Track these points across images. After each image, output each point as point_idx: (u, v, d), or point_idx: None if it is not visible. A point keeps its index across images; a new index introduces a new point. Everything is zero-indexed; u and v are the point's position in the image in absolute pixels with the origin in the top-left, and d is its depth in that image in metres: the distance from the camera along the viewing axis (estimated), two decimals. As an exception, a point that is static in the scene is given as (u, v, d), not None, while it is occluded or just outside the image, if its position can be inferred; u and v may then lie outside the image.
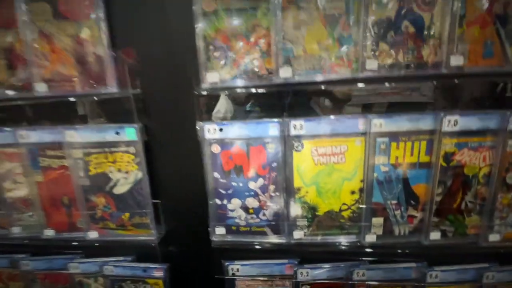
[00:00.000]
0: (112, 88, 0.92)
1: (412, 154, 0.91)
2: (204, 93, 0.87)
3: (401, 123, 0.88)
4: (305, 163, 0.95)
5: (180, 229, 1.11)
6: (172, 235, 1.11)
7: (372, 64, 0.80)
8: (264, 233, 1.03)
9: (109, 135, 0.96)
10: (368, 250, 0.99)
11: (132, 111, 0.92)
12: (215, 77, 0.86)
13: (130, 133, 0.94)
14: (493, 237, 0.93)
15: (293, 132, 0.92)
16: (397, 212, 0.96)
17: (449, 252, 0.97)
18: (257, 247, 1.02)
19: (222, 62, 0.86)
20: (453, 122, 0.86)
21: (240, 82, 0.86)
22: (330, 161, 0.95)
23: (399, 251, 0.97)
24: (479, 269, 1.00)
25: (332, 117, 0.90)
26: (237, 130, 0.93)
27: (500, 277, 0.99)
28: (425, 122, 0.88)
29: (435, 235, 0.95)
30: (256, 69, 0.84)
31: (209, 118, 0.95)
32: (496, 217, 0.93)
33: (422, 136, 0.89)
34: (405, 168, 0.92)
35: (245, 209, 1.01)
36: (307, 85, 0.84)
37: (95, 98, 0.92)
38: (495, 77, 0.79)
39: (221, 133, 0.93)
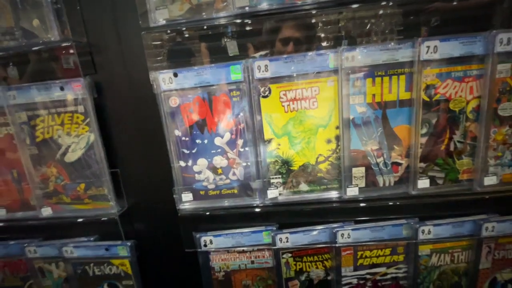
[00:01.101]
0: (54, 38, 0.81)
1: (390, 91, 0.80)
2: (150, 36, 0.76)
3: (376, 55, 0.77)
4: (274, 111, 0.83)
5: (144, 201, 0.98)
6: (136, 208, 0.98)
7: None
8: (235, 196, 0.90)
9: (54, 93, 0.85)
10: (350, 206, 0.88)
11: (77, 63, 0.81)
12: (164, 14, 0.76)
13: (76, 88, 0.83)
14: (489, 180, 0.82)
15: (258, 74, 0.81)
16: (380, 160, 0.84)
17: (441, 202, 0.85)
18: (229, 211, 0.91)
19: (171, -4, 0.75)
20: (432, 48, 0.75)
21: (192, 18, 0.75)
22: (301, 107, 0.83)
23: (385, 204, 0.85)
24: (477, 221, 0.88)
25: (299, 54, 0.80)
26: (195, 77, 0.81)
27: (501, 228, 0.87)
28: (402, 52, 0.77)
29: (423, 183, 0.83)
30: (208, 1, 0.74)
31: (166, 66, 0.84)
32: (490, 157, 0.81)
33: (400, 70, 0.78)
34: (384, 108, 0.81)
35: (213, 169, 0.89)
36: (271, 15, 0.74)
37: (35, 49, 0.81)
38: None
39: (178, 82, 0.82)
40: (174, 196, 0.89)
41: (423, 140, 0.81)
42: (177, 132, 0.86)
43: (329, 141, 0.85)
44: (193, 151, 0.87)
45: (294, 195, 0.89)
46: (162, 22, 0.74)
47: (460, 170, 0.83)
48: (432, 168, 0.83)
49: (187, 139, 0.87)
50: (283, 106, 0.83)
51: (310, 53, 0.79)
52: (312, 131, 0.85)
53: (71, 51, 0.79)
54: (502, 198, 0.84)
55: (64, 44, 0.79)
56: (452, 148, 0.82)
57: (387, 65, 0.77)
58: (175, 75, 0.79)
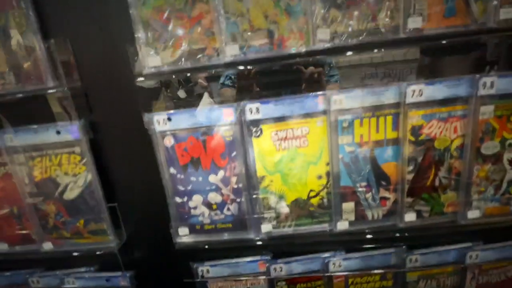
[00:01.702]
0: (48, 83, 0.82)
1: (377, 131, 0.82)
2: (143, 82, 0.77)
3: (363, 98, 0.79)
4: (266, 150, 0.85)
5: (142, 232, 1.00)
6: (134, 240, 1.00)
7: (323, 34, 0.71)
8: (230, 230, 0.93)
9: (50, 136, 0.86)
10: (341, 238, 0.90)
11: (72, 107, 0.82)
12: (157, 61, 0.77)
13: (73, 131, 0.84)
14: (473, 214, 0.85)
15: (249, 116, 0.82)
16: (368, 195, 0.87)
17: (428, 234, 0.88)
18: (225, 245, 0.93)
19: (163, 43, 0.76)
20: (417, 92, 0.77)
21: (185, 65, 0.76)
22: (292, 145, 0.85)
23: (374, 236, 0.88)
24: (462, 249, 0.92)
25: (289, 97, 0.81)
26: (188, 119, 0.83)
27: (485, 255, 0.90)
28: (388, 95, 0.78)
29: (410, 217, 0.86)
30: (199, 48, 0.75)
31: (158, 108, 0.85)
32: (473, 191, 0.83)
33: (386, 111, 0.80)
34: (372, 147, 0.83)
35: (208, 205, 0.91)
36: (258, 63, 0.75)
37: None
38: (460, 38, 0.71)
39: (172, 124, 0.84)
40: (171, 230, 0.91)
41: (410, 176, 0.83)
42: (172, 170, 0.88)
43: (320, 177, 0.87)
44: (188, 188, 0.89)
45: (287, 228, 0.91)
46: (152, 69, 0.75)
47: (445, 203, 0.86)
48: (418, 203, 0.86)
49: (182, 176, 0.88)
50: (275, 145, 0.84)
51: (299, 96, 0.80)
52: (304, 167, 0.86)
53: (65, 96, 0.80)
54: (486, 228, 0.87)
55: (58, 90, 0.79)
56: (437, 183, 0.84)
57: (374, 107, 0.79)
58: (169, 119, 0.80)
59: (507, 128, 0.78)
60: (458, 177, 0.83)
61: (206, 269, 0.99)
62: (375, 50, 0.72)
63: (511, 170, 0.81)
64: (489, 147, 0.80)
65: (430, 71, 1.26)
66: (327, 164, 0.86)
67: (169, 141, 0.86)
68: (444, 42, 0.70)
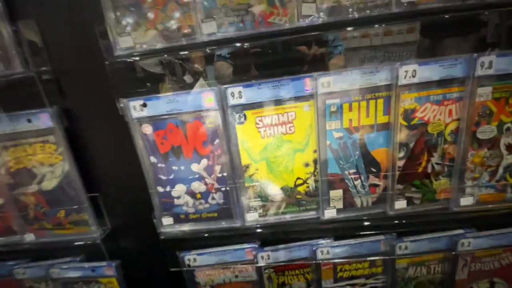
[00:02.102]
0: (16, 68, 0.76)
1: (368, 115, 0.76)
2: (118, 65, 0.71)
3: (352, 79, 0.73)
4: (251, 137, 0.80)
5: (127, 222, 0.97)
6: (119, 230, 0.98)
7: (308, 9, 0.64)
8: (216, 219, 0.90)
9: (22, 124, 0.81)
10: (329, 226, 0.87)
11: (42, 93, 0.77)
12: (128, 41, 0.71)
13: (44, 119, 0.80)
14: (466, 201, 0.81)
15: (231, 101, 0.77)
16: (357, 182, 0.83)
17: (418, 221, 0.85)
18: (210, 234, 0.91)
19: (134, 22, 0.70)
20: (411, 73, 0.71)
21: (158, 45, 0.70)
22: (278, 132, 0.80)
23: (363, 224, 0.85)
24: (453, 236, 0.89)
25: (273, 80, 0.75)
26: (166, 105, 0.78)
27: (477, 243, 0.88)
28: (380, 76, 0.73)
29: (400, 204, 0.82)
30: (175, 27, 0.69)
31: (136, 93, 0.79)
32: (467, 178, 0.80)
33: (378, 94, 0.75)
34: (362, 132, 0.78)
35: (192, 194, 0.87)
36: (234, 41, 0.69)
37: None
38: (456, 13, 0.64)
39: (149, 110, 0.78)
40: (154, 220, 0.89)
41: (401, 163, 0.79)
42: (153, 159, 0.84)
43: (307, 165, 0.83)
44: (170, 177, 0.85)
45: (273, 216, 0.88)
46: (125, 50, 0.69)
47: (437, 190, 0.82)
48: (409, 190, 0.82)
49: (163, 165, 0.84)
50: (259, 131, 0.80)
51: (284, 79, 0.75)
52: (290, 155, 0.82)
53: (35, 81, 0.74)
54: (480, 215, 0.84)
55: (26, 75, 0.74)
56: (429, 170, 0.80)
57: (364, 89, 0.74)
58: (144, 105, 0.75)
59: (505, 111, 0.73)
60: (452, 163, 0.79)
61: (193, 258, 0.97)
62: (376, 26, 0.66)
63: (508, 155, 0.77)
64: (486, 131, 0.75)
65: (430, 54, 1.19)
66: (315, 151, 0.81)
67: (147, 129, 0.81)
68: (440, 17, 0.63)
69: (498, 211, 0.83)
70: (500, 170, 0.79)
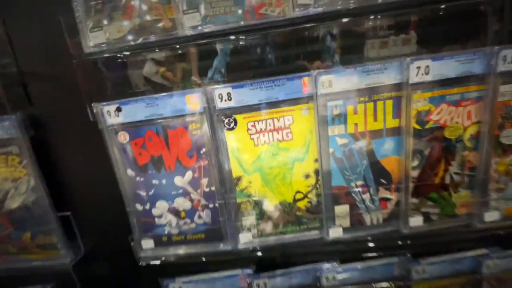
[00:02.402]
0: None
1: (375, 119, 0.67)
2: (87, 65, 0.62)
3: (357, 78, 0.64)
4: (242, 145, 0.70)
5: (102, 245, 0.84)
6: (93, 254, 0.85)
7: (305, -3, 0.56)
8: (203, 241, 0.78)
9: (-21, 133, 0.71)
10: (335, 248, 0.76)
11: (3, 98, 0.67)
12: (100, 37, 0.62)
13: (6, 127, 0.70)
14: (490, 216, 0.70)
15: (219, 104, 0.68)
16: (365, 196, 0.72)
17: (436, 241, 0.74)
18: (197, 259, 0.79)
19: (107, 15, 0.61)
20: (423, 69, 0.63)
21: (134, 41, 0.62)
22: (273, 139, 0.70)
23: (373, 245, 0.74)
24: (477, 257, 0.78)
25: (266, 80, 0.66)
26: (144, 109, 0.68)
27: (503, 264, 0.77)
28: (388, 74, 0.64)
29: (416, 221, 0.71)
30: (153, 19, 0.60)
31: (111, 97, 0.70)
32: (491, 189, 0.70)
33: (386, 94, 0.65)
34: (369, 138, 0.68)
35: (175, 212, 0.75)
36: (222, 36, 0.60)
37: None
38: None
39: (125, 115, 0.69)
40: (132, 244, 0.77)
41: (415, 173, 0.69)
42: (130, 172, 0.73)
43: (307, 176, 0.73)
44: (151, 193, 0.74)
45: (269, 237, 0.77)
46: (96, 47, 0.60)
47: (457, 203, 0.72)
48: (425, 204, 0.72)
49: (142, 179, 0.73)
50: (252, 139, 0.70)
51: (280, 78, 0.66)
52: (288, 165, 0.72)
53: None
54: (506, 232, 0.74)
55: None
56: (448, 180, 0.70)
57: (370, 89, 0.65)
58: (119, 109, 0.65)
59: (533, 112, 0.65)
60: (473, 172, 0.69)
61: (178, 286, 0.85)
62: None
63: (536, 162, 0.68)
64: (510, 135, 0.66)
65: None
66: (316, 160, 0.71)
67: (123, 137, 0.71)
68: (437, 7, 0.55)
69: (526, 227, 0.72)
70: (529, 180, 0.70)
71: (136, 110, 0.68)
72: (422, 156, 0.68)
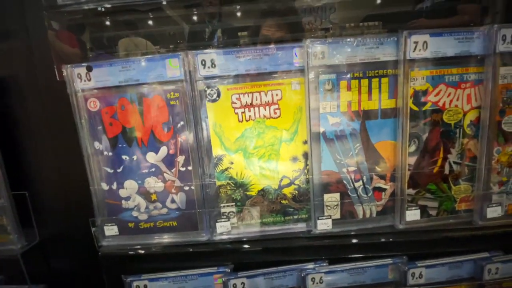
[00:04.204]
0: None
1: (370, 98, 0.60)
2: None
3: (352, 51, 0.59)
4: (225, 119, 0.62)
5: (62, 231, 0.73)
6: (49, 243, 0.73)
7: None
8: (175, 229, 0.67)
9: None
10: (323, 243, 0.67)
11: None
12: (75, -13, 0.56)
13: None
14: (493, 212, 0.63)
15: (202, 71, 0.61)
16: (358, 184, 0.64)
17: (435, 239, 0.65)
18: (168, 250, 0.68)
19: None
20: (421, 44, 0.58)
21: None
22: (259, 115, 0.62)
23: (365, 241, 0.65)
24: (478, 262, 0.69)
25: (255, 48, 0.60)
26: (118, 73, 0.60)
27: (506, 269, 0.68)
28: (384, 49, 0.59)
29: (413, 215, 0.63)
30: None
31: (84, 58, 0.62)
32: (493, 182, 0.63)
33: (382, 71, 0.60)
34: (363, 119, 0.61)
35: (145, 194, 0.65)
36: None
37: None
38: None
39: (97, 79, 0.61)
40: (93, 229, 0.65)
41: (412, 160, 0.62)
42: (97, 145, 0.64)
43: (295, 159, 0.65)
44: (119, 170, 0.64)
45: (251, 228, 0.67)
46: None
47: (457, 198, 0.65)
48: (423, 196, 0.64)
49: (110, 154, 0.64)
50: (237, 113, 0.62)
51: (269, 47, 0.60)
52: (274, 146, 0.64)
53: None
54: (507, 232, 0.66)
55: None
56: (447, 170, 0.63)
57: (366, 64, 0.58)
58: (89, 68, 0.57)
59: (535, 97, 0.60)
60: (474, 163, 0.63)
61: (143, 285, 0.72)
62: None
63: (540, 153, 0.62)
64: (513, 122, 0.61)
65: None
66: (305, 142, 0.64)
67: (93, 104, 0.63)
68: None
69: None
70: (533, 173, 0.63)
71: (109, 73, 0.60)
72: (420, 141, 0.61)
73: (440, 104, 0.60)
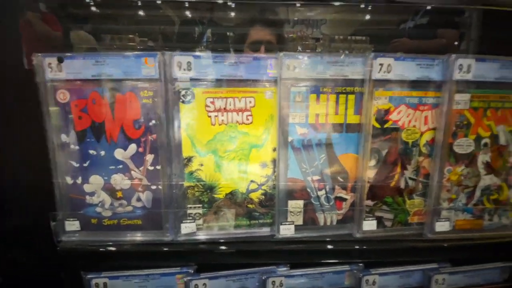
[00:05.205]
0: None
1: (337, 112, 0.63)
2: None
3: (323, 66, 0.61)
4: (198, 122, 0.62)
5: (19, 225, 0.69)
6: (8, 235, 0.69)
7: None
8: (139, 228, 0.66)
9: None
10: (286, 247, 0.68)
11: None
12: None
13: None
14: (441, 226, 0.67)
15: (177, 73, 0.61)
16: (321, 193, 0.66)
17: (389, 248, 0.68)
18: (132, 248, 0.66)
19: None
20: (386, 67, 0.61)
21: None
22: (232, 120, 0.63)
23: (325, 248, 0.67)
24: (426, 271, 0.74)
25: (233, 55, 0.61)
26: (92, 67, 0.59)
27: (452, 280, 0.73)
28: (353, 68, 0.62)
29: (369, 225, 0.66)
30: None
31: (55, 47, 0.60)
32: (443, 198, 0.67)
33: (349, 88, 0.63)
34: (329, 132, 0.64)
35: (111, 191, 0.63)
36: None
37: None
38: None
39: (69, 70, 0.59)
40: (53, 224, 0.63)
41: (371, 173, 0.65)
42: (64, 138, 0.61)
43: (264, 165, 0.66)
44: (85, 165, 0.62)
45: (216, 230, 0.67)
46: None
47: (411, 211, 0.69)
48: (380, 207, 0.67)
49: (77, 147, 0.61)
50: (210, 116, 0.62)
51: (246, 56, 0.61)
52: (245, 151, 0.65)
53: None
54: (455, 245, 0.71)
55: None
56: (403, 185, 0.67)
57: (335, 81, 0.61)
58: (60, 60, 0.55)
59: (483, 124, 0.65)
60: (427, 179, 0.67)
61: (103, 283, 0.70)
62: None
63: (485, 175, 0.67)
64: (463, 144, 0.65)
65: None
66: (274, 149, 0.65)
67: (63, 96, 0.61)
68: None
69: (474, 241, 0.70)
70: (477, 192, 0.67)
71: (82, 66, 0.58)
72: (380, 156, 0.64)
73: (400, 123, 0.63)
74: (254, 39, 0.89)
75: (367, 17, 0.94)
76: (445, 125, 0.62)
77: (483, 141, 0.64)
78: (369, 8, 0.75)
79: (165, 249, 0.66)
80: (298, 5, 0.78)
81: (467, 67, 0.60)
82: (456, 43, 0.92)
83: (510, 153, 0.67)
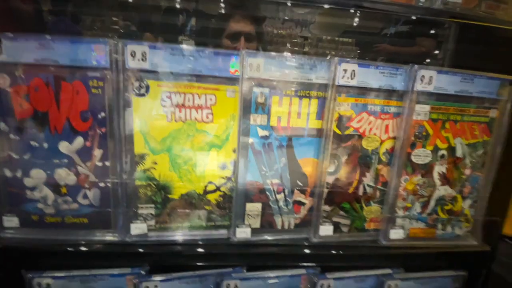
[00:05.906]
0: None
1: (299, 116, 0.61)
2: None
3: (287, 68, 0.59)
4: (152, 117, 0.57)
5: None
6: None
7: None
8: (85, 227, 0.61)
9: None
10: (242, 251, 0.66)
11: None
12: None
13: None
14: (395, 234, 0.67)
15: (131, 63, 0.56)
16: (280, 196, 0.64)
17: (345, 254, 0.68)
18: (75, 249, 0.62)
19: None
20: (350, 73, 0.60)
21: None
22: (190, 117, 0.60)
23: (281, 251, 0.66)
24: (380, 277, 0.74)
25: (194, 48, 0.57)
26: (35, 51, 0.53)
27: (405, 286, 0.73)
28: (317, 72, 0.60)
29: (326, 230, 0.65)
30: None
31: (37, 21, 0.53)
32: (399, 207, 0.68)
33: (312, 92, 0.61)
34: (290, 135, 0.61)
35: (54, 187, 0.58)
36: None
37: None
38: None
39: (9, 54, 0.52)
40: (-12, 219, 0.57)
41: (330, 179, 0.64)
42: (3, 126, 0.55)
43: (223, 167, 0.63)
44: (25, 157, 0.56)
45: (170, 231, 0.64)
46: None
47: (368, 218, 0.69)
48: (337, 213, 0.67)
49: (17, 138, 0.56)
50: (165, 112, 0.58)
51: (207, 50, 0.58)
52: (203, 150, 0.62)
53: None
54: (409, 253, 0.72)
55: None
56: (361, 192, 0.66)
57: (298, 84, 0.59)
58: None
59: (441, 136, 0.65)
60: (385, 187, 0.67)
61: (46, 283, 0.65)
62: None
63: (440, 186, 0.68)
64: (420, 155, 0.65)
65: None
66: (235, 151, 0.63)
67: (2, 80, 0.55)
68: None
69: (427, 249, 0.71)
70: (432, 203, 0.68)
71: (24, 49, 0.52)
72: (339, 162, 0.63)
73: (361, 130, 0.63)
74: (233, 30, 0.85)
75: (354, 21, 0.93)
76: (404, 135, 0.62)
77: (440, 153, 0.65)
78: (358, 14, 0.73)
79: (114, 249, 0.62)
80: (289, 4, 0.75)
81: (428, 79, 0.60)
82: (436, 52, 0.94)
83: (466, 166, 0.68)
